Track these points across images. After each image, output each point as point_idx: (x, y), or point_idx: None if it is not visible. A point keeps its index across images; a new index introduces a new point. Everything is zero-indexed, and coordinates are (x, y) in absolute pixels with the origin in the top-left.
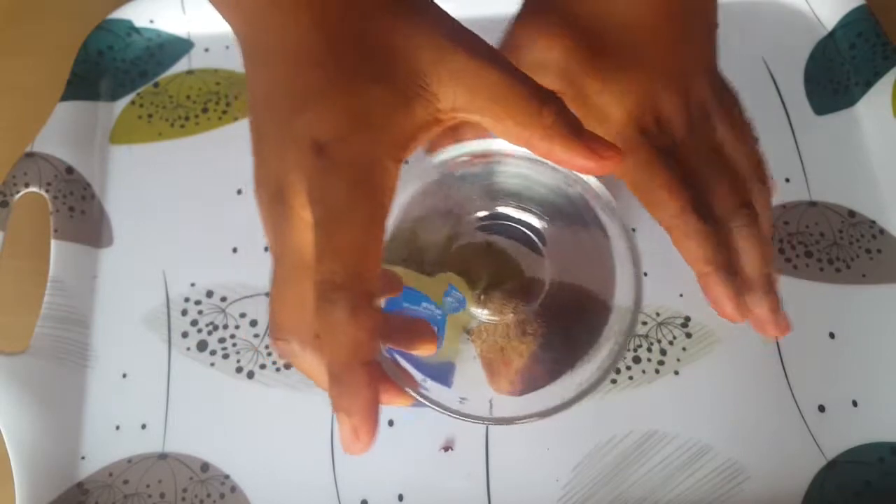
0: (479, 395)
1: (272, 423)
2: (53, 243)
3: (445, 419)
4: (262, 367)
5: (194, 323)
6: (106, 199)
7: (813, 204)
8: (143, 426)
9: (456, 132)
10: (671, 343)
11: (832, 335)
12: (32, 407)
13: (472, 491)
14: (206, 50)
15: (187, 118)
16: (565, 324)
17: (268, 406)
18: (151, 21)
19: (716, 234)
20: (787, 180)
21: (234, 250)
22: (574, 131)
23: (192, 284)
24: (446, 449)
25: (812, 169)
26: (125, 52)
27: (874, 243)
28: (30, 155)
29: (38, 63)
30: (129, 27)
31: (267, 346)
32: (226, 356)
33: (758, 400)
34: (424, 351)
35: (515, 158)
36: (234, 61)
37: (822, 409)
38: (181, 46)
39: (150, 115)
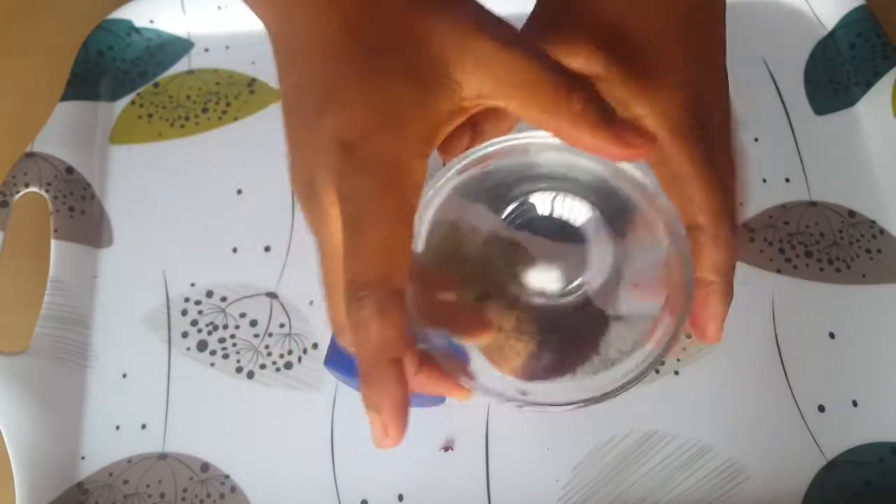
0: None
1: (272, 423)
2: (53, 243)
3: (445, 419)
4: (262, 367)
5: (194, 323)
6: (106, 199)
7: (813, 204)
8: (143, 426)
9: (476, 127)
10: None
11: (832, 335)
12: (32, 407)
13: (472, 491)
14: (206, 50)
15: (187, 118)
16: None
17: (268, 406)
18: (151, 21)
19: (736, 245)
20: (787, 180)
21: (234, 250)
22: (604, 118)
23: (192, 284)
24: (446, 449)
25: (812, 169)
26: (125, 52)
27: (874, 243)
28: (30, 155)
29: (38, 63)
30: (129, 27)
31: (267, 346)
32: (226, 356)
33: (758, 400)
34: (480, 339)
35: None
36: (234, 61)
37: (822, 409)
38: (181, 46)
39: (150, 115)
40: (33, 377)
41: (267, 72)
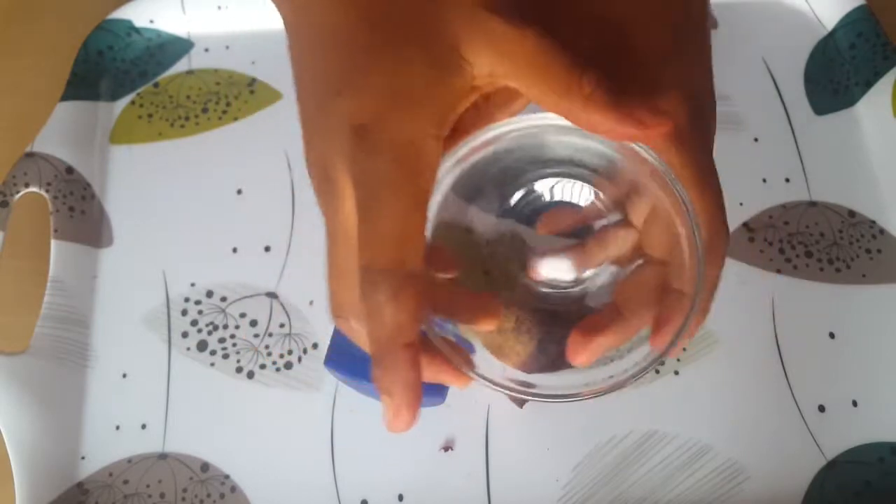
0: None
1: (272, 423)
2: (53, 243)
3: (445, 419)
4: (262, 367)
5: (194, 323)
6: (106, 199)
7: (813, 204)
8: (143, 426)
9: (480, 111)
10: None
11: (832, 335)
12: (32, 407)
13: (472, 491)
14: (206, 50)
15: (187, 118)
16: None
17: (268, 406)
18: (151, 21)
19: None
20: (787, 180)
21: (234, 250)
22: (616, 99)
23: (192, 284)
24: (446, 449)
25: (812, 169)
26: (125, 52)
27: (874, 243)
28: (30, 155)
29: (38, 63)
30: (129, 27)
31: (267, 346)
32: (226, 356)
33: (758, 400)
34: (487, 325)
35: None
36: (234, 61)
37: (822, 409)
38: (181, 46)
39: (150, 115)
40: (33, 377)
41: (267, 72)
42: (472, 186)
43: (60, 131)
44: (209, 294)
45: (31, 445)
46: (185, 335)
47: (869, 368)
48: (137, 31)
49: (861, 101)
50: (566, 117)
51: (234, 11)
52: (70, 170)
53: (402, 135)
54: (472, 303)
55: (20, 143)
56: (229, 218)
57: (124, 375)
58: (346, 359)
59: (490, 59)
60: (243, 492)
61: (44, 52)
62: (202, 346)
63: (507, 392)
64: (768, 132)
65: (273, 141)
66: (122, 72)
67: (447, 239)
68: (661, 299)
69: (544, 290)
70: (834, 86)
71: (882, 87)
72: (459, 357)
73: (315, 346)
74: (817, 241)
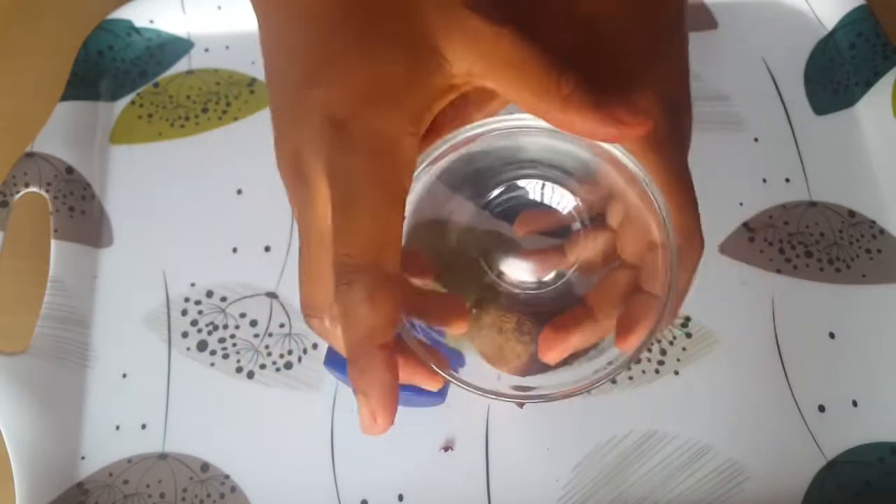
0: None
1: (272, 423)
2: (53, 243)
3: (445, 419)
4: (262, 367)
5: (194, 323)
6: (106, 199)
7: (813, 204)
8: (143, 426)
9: (459, 111)
10: (671, 343)
11: (832, 335)
12: (32, 407)
13: (472, 491)
14: (206, 50)
15: (187, 118)
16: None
17: (268, 406)
18: (151, 21)
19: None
20: (787, 180)
21: (234, 250)
22: (593, 100)
23: (192, 284)
24: (446, 449)
25: (812, 169)
26: (125, 52)
27: (874, 243)
28: (30, 155)
29: (38, 63)
30: (129, 27)
31: (267, 346)
32: (226, 356)
33: (758, 400)
34: (457, 328)
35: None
36: (234, 61)
37: (822, 409)
38: (181, 46)
39: (150, 115)
40: (33, 377)
41: None
42: (448, 186)
43: (60, 131)
44: (209, 294)
45: (31, 445)
46: (185, 335)
47: (869, 368)
48: (137, 31)
49: (861, 101)
50: (544, 118)
51: (234, 11)
52: (70, 170)
53: (379, 130)
54: (440, 304)
55: (20, 143)
56: (229, 218)
57: (124, 375)
58: (345, 359)
59: (468, 58)
60: (243, 492)
61: (44, 52)
62: (202, 346)
63: (486, 396)
64: (768, 132)
65: (273, 141)
66: (122, 72)
67: (421, 240)
68: (629, 300)
69: (535, 289)
70: (834, 86)
71: (882, 87)
72: (434, 359)
73: (315, 346)
74: (817, 241)
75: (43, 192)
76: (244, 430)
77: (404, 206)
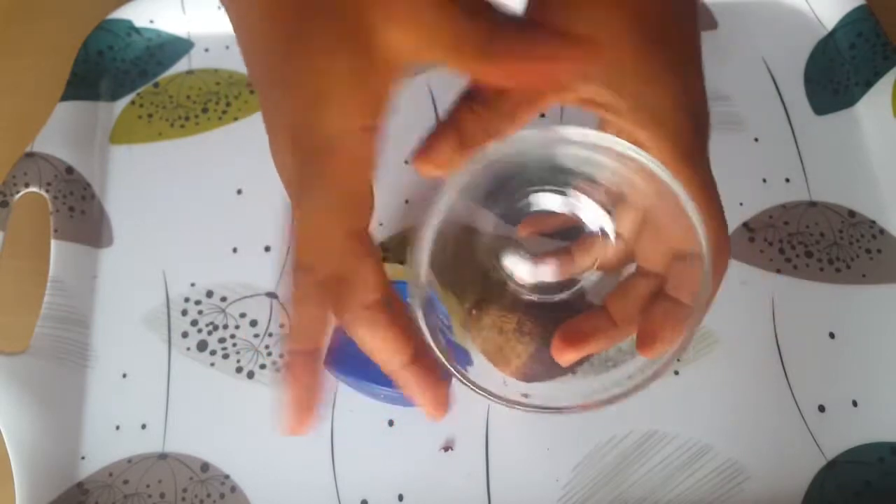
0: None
1: (272, 423)
2: (53, 243)
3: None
4: (262, 367)
5: (194, 323)
6: (106, 199)
7: (813, 204)
8: (143, 426)
9: (460, 131)
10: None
11: (832, 335)
12: (32, 407)
13: (472, 491)
14: (206, 50)
15: (187, 118)
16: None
17: (268, 406)
18: (151, 21)
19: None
20: (787, 180)
21: (234, 250)
22: (527, 49)
23: (192, 284)
24: (446, 449)
25: (812, 169)
26: (125, 52)
27: (874, 243)
28: (30, 155)
29: (38, 63)
30: (129, 27)
31: (267, 346)
32: (226, 356)
33: (758, 400)
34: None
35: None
36: (234, 61)
37: (822, 409)
38: (181, 46)
39: (150, 115)
40: (33, 377)
41: None
42: (481, 192)
43: (60, 131)
44: (209, 294)
45: (31, 445)
46: (185, 335)
47: (869, 368)
48: (137, 31)
49: (861, 101)
50: (483, 78)
51: None
52: (70, 170)
53: (326, 132)
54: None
55: (20, 143)
56: (229, 218)
57: (124, 375)
58: (346, 359)
59: (412, 33)
60: (243, 492)
61: (44, 52)
62: (202, 346)
63: (504, 403)
64: (768, 132)
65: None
66: (122, 72)
67: (452, 240)
68: (652, 307)
69: (545, 293)
70: (834, 86)
71: (882, 87)
72: (451, 364)
73: None
74: (817, 241)
75: (43, 192)
76: (244, 430)
77: (365, 204)
